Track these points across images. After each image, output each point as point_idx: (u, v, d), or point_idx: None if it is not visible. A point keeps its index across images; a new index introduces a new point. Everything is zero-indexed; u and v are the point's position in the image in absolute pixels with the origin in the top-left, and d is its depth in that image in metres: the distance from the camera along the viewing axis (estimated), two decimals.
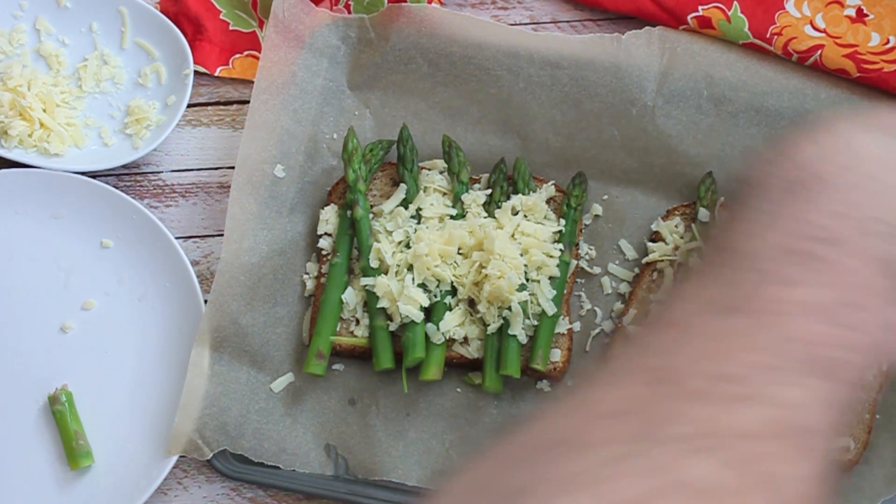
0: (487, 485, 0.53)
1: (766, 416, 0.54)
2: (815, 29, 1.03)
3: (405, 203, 0.99)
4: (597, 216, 1.02)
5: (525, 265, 0.96)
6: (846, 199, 0.61)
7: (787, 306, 0.57)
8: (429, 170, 1.01)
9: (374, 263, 0.96)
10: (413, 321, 0.95)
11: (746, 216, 0.63)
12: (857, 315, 0.58)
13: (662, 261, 0.99)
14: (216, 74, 1.07)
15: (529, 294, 0.96)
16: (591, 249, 1.01)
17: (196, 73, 1.05)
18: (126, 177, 1.05)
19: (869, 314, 0.58)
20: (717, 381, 0.55)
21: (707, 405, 0.54)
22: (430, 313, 0.96)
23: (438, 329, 0.95)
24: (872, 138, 0.65)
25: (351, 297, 0.97)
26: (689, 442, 0.52)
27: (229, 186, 1.02)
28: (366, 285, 0.96)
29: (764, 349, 0.56)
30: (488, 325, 0.95)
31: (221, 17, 1.09)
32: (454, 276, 0.96)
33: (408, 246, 0.97)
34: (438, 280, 0.96)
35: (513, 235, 0.97)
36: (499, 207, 0.99)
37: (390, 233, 0.97)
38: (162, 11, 1.08)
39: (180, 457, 0.95)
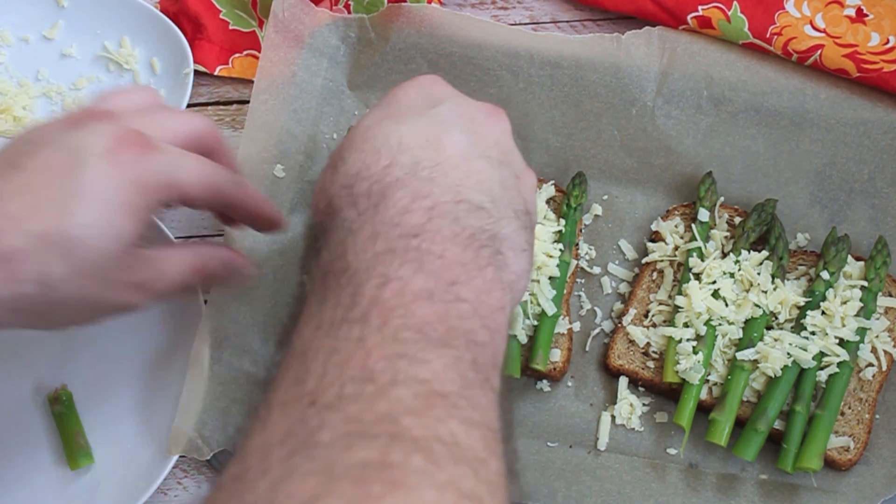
0: None
1: (414, 392, 0.55)
2: (815, 29, 1.02)
3: None
4: (597, 216, 1.02)
5: None
6: (417, 191, 0.65)
7: (390, 302, 0.60)
8: None
9: None
10: None
11: (336, 239, 0.66)
12: (458, 288, 0.62)
13: (662, 261, 0.99)
14: (216, 73, 1.08)
15: (529, 294, 0.96)
16: (591, 249, 1.01)
17: (196, 72, 1.05)
18: None
19: (466, 285, 0.62)
20: (350, 383, 0.56)
21: (351, 403, 0.55)
22: None
23: None
24: (405, 121, 0.69)
25: None
26: (345, 437, 0.53)
27: None
28: None
29: (379, 346, 0.57)
30: None
31: (221, 16, 1.09)
32: None
33: None
34: None
35: None
36: None
37: None
38: (162, 11, 1.08)
39: (180, 457, 0.95)
